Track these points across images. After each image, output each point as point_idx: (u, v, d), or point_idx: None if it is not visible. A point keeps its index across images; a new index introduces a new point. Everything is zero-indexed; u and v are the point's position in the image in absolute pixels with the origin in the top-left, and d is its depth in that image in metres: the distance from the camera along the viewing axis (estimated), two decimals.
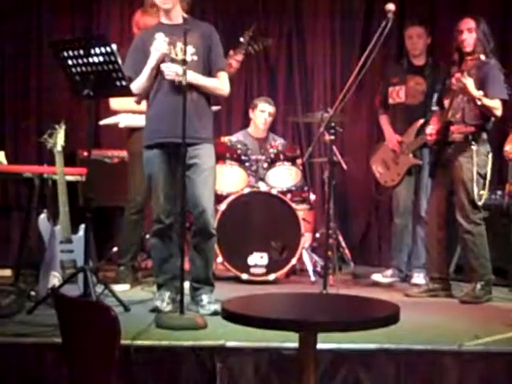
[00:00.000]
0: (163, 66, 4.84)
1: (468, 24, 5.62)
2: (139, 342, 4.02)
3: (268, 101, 7.14)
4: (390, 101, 6.62)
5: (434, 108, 6.08)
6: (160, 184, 4.95)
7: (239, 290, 5.88)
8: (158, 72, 4.90)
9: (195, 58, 4.90)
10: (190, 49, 4.85)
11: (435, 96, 6.13)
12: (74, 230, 5.23)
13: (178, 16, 4.95)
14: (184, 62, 4.63)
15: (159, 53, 4.84)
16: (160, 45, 4.84)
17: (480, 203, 5.58)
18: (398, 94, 6.57)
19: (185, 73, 4.60)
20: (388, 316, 2.95)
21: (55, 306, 3.22)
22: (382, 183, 6.70)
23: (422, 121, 6.28)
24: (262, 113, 7.08)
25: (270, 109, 7.10)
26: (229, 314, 3.02)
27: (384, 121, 6.68)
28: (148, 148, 4.99)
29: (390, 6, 5.14)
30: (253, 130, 7.15)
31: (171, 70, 4.81)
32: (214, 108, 5.30)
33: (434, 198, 5.87)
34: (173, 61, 4.85)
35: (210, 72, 4.98)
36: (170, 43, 4.86)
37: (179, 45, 4.78)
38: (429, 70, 6.51)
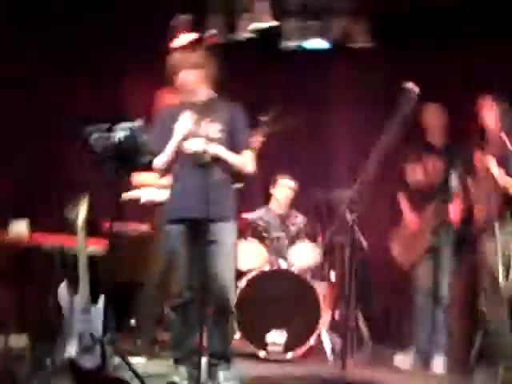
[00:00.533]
0: (188, 144, 4.87)
1: (488, 103, 5.64)
2: None
3: (287, 175, 7.16)
4: (408, 179, 6.62)
5: (453, 187, 6.08)
6: (181, 259, 4.95)
7: (257, 368, 5.83)
8: (181, 150, 4.93)
9: (221, 135, 4.94)
10: (217, 126, 4.91)
11: (453, 175, 6.14)
12: (94, 301, 5.21)
13: (205, 93, 5.00)
14: (207, 139, 4.66)
15: (185, 130, 4.88)
16: (186, 122, 4.88)
17: (504, 286, 5.51)
18: (415, 173, 6.56)
19: (207, 149, 4.64)
20: None
21: (73, 377, 3.20)
22: (400, 262, 6.66)
23: (439, 200, 6.27)
24: (283, 188, 7.09)
25: (291, 184, 7.12)
26: None
27: (402, 199, 6.67)
28: (170, 223, 4.99)
29: (409, 85, 5.17)
30: (274, 206, 7.16)
31: (193, 145, 4.84)
32: (237, 185, 5.31)
33: (457, 281, 5.82)
34: (198, 137, 4.88)
35: (235, 151, 5.01)
36: (196, 120, 4.90)
37: (205, 122, 4.82)
38: (446, 149, 6.50)
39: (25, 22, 7.23)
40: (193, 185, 4.81)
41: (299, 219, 6.92)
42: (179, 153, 4.93)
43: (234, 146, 5.02)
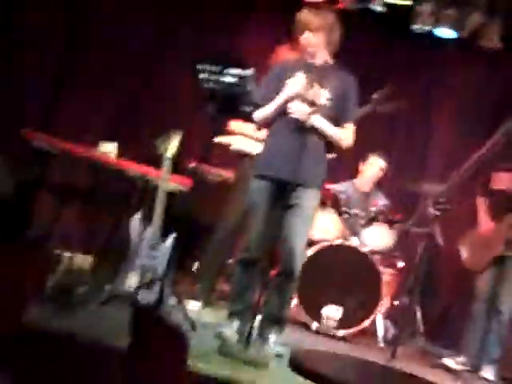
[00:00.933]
0: (293, 105, 4.84)
1: None
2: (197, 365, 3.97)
3: (379, 155, 7.09)
4: (493, 185, 6.48)
5: None
6: (259, 216, 4.93)
7: (307, 339, 5.82)
8: (285, 108, 4.89)
9: (329, 103, 4.89)
10: (326, 93, 4.86)
11: None
12: (163, 238, 5.25)
13: (323, 57, 4.94)
14: (313, 104, 4.62)
15: (294, 91, 4.84)
16: (296, 84, 4.83)
17: None
18: (502, 181, 6.41)
19: (309, 117, 4.60)
20: None
21: (131, 312, 3.22)
22: (467, 265, 6.56)
23: None
24: (373, 167, 7.03)
25: (381, 163, 7.06)
26: (296, 365, 2.98)
27: (481, 204, 6.52)
28: (258, 178, 4.98)
29: None
30: (359, 183, 7.11)
31: (299, 109, 4.80)
32: (329, 156, 5.26)
33: None
34: (304, 101, 4.83)
35: (338, 120, 4.96)
36: (308, 83, 4.85)
37: (316, 86, 4.77)
38: None
39: None
40: (287, 146, 4.78)
41: (382, 201, 6.85)
42: (282, 111, 4.89)
43: (339, 117, 4.95)
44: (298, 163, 4.58)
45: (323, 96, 4.85)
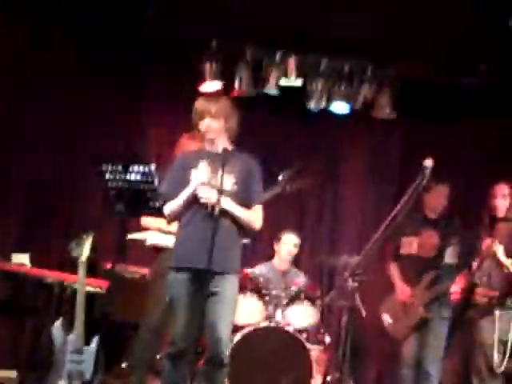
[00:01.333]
0: (200, 191, 4.89)
1: (503, 190, 5.67)
2: None
3: (291, 231, 7.18)
4: (402, 251, 6.60)
5: (447, 261, 6.10)
6: (181, 308, 4.91)
7: None
8: (194, 198, 4.94)
9: (235, 188, 4.96)
10: (231, 178, 4.94)
11: (448, 249, 6.16)
12: (87, 341, 5.18)
13: (223, 144, 5.01)
14: (220, 192, 4.68)
15: (199, 182, 4.91)
16: (201, 174, 4.91)
17: (499, 370, 5.49)
18: (410, 245, 6.54)
19: (219, 201, 4.66)
20: None
21: None
22: (391, 333, 6.63)
23: (432, 273, 6.26)
24: (287, 244, 7.10)
25: (295, 240, 7.14)
26: None
27: (394, 271, 6.63)
28: (174, 270, 4.99)
29: (428, 162, 5.18)
30: (277, 262, 7.16)
31: (207, 195, 4.86)
32: (245, 241, 5.31)
33: (452, 358, 5.79)
34: (212, 188, 4.89)
35: (246, 204, 5.03)
36: (212, 171, 4.93)
37: (220, 174, 4.84)
38: (443, 223, 6.49)
39: None
40: (200, 235, 4.80)
41: (301, 279, 6.90)
42: (190, 202, 4.95)
43: (246, 200, 5.03)
44: (213, 251, 4.60)
45: (228, 182, 4.92)
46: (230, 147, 5.03)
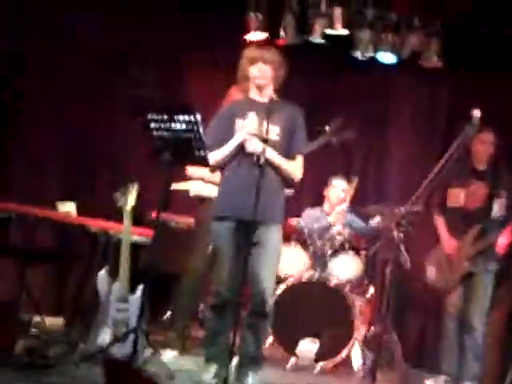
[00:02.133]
0: (247, 141, 4.88)
1: None
2: None
3: (342, 177, 7.13)
4: (448, 203, 6.53)
5: (494, 215, 6.03)
6: (226, 258, 4.94)
7: (285, 376, 5.81)
8: (240, 148, 4.94)
9: (279, 138, 4.95)
10: (276, 129, 4.92)
11: (496, 202, 6.08)
12: (131, 290, 5.22)
13: (269, 94, 4.99)
14: (265, 142, 4.66)
15: (247, 132, 4.89)
16: (250, 125, 4.89)
17: None
18: (457, 198, 6.46)
19: (264, 151, 4.64)
20: None
21: (103, 367, 3.20)
22: (435, 286, 6.59)
23: (479, 226, 6.19)
24: (336, 188, 7.06)
25: (344, 185, 7.08)
26: None
27: (440, 223, 6.56)
28: (218, 220, 4.99)
29: (476, 112, 5.10)
30: (328, 208, 7.13)
31: (253, 145, 4.84)
32: (287, 191, 5.29)
33: (496, 310, 5.76)
34: (257, 138, 4.87)
35: (289, 154, 5.01)
36: (258, 121, 4.92)
37: (266, 123, 4.81)
38: (491, 175, 6.39)
39: None
40: (245, 184, 4.81)
41: (346, 230, 6.86)
42: (236, 151, 4.94)
43: (290, 150, 5.02)
44: (257, 200, 4.60)
45: (273, 132, 4.91)
46: (275, 97, 5.00)
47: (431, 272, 6.57)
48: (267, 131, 4.70)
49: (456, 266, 6.37)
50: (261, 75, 5.00)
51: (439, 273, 6.51)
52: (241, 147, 4.92)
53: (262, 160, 4.65)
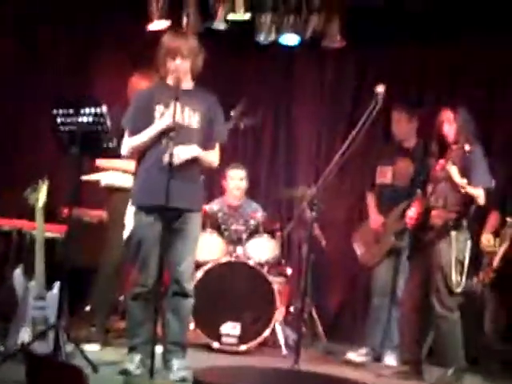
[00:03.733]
0: (175, 150, 4.78)
1: (447, 115, 5.70)
2: None
3: (236, 166, 7.13)
4: (377, 181, 6.67)
5: (418, 191, 6.18)
6: (151, 248, 4.93)
7: (210, 359, 5.85)
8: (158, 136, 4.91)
9: (199, 126, 4.97)
10: (196, 116, 4.94)
11: (420, 179, 6.23)
12: (48, 287, 5.19)
13: (188, 82, 5.00)
14: (185, 130, 4.69)
15: (165, 124, 4.86)
16: (171, 112, 4.81)
17: (458, 290, 5.60)
18: (385, 175, 6.60)
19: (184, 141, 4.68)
20: None
21: (25, 363, 3.19)
22: (363, 262, 6.73)
23: (406, 203, 6.33)
24: (233, 180, 7.08)
25: (241, 174, 7.10)
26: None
27: (370, 200, 6.72)
28: (140, 210, 5.00)
29: (380, 88, 5.21)
30: (229, 199, 7.15)
31: (181, 153, 4.84)
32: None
33: (411, 281, 5.90)
34: (178, 128, 4.82)
35: (209, 142, 5.03)
36: (179, 110, 4.88)
37: (186, 110, 4.81)
38: (418, 152, 6.53)
39: None
40: (164, 173, 4.75)
41: (259, 213, 6.91)
42: (155, 139, 4.92)
43: (210, 138, 5.05)
44: (178, 188, 4.62)
45: (193, 120, 4.93)
46: (192, 85, 5.01)
47: (358, 248, 6.69)
48: (189, 120, 4.73)
49: (382, 241, 6.50)
50: (179, 70, 4.95)
51: (366, 248, 6.63)
52: (159, 135, 4.90)
53: (176, 162, 4.68)
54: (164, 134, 4.86)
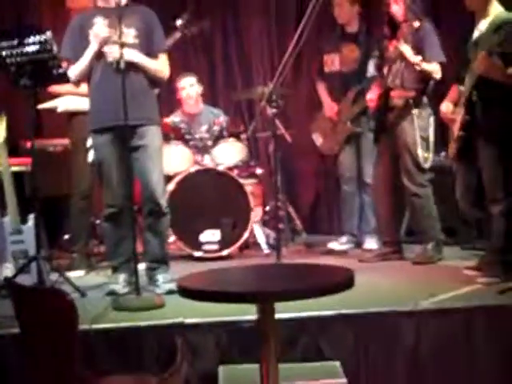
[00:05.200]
0: (106, 49, 4.82)
1: None
2: (98, 326, 4.03)
3: (184, 75, 7.06)
4: (326, 69, 6.67)
5: (370, 75, 6.22)
6: (112, 168, 4.94)
7: (193, 268, 5.88)
8: (98, 56, 4.87)
9: (137, 40, 4.90)
10: (132, 31, 4.88)
11: (370, 62, 6.29)
12: (23, 221, 5.19)
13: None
14: (122, 45, 4.62)
15: (100, 37, 4.82)
16: (100, 30, 4.82)
17: (426, 166, 5.67)
18: (332, 62, 6.61)
19: (122, 56, 4.60)
20: (343, 281, 2.98)
21: (11, 295, 3.21)
22: (323, 152, 6.80)
23: (357, 88, 6.37)
24: (185, 89, 7.02)
25: (189, 81, 7.02)
26: (185, 291, 3.02)
27: (321, 89, 6.73)
28: (95, 132, 4.98)
29: None
30: (186, 108, 7.11)
31: (109, 50, 4.80)
32: (155, 91, 5.28)
33: (380, 163, 5.94)
34: (114, 44, 4.80)
35: (151, 55, 4.98)
36: (111, 26, 4.83)
37: (119, 28, 4.75)
38: (362, 36, 6.55)
39: None
40: (113, 91, 4.72)
41: (221, 118, 6.90)
42: (96, 60, 4.88)
43: (151, 51, 4.99)
44: (130, 104, 4.59)
45: (129, 35, 4.85)
46: (124, 1, 4.94)
47: (317, 138, 6.73)
48: (121, 34, 4.64)
49: (339, 128, 6.54)
50: None
51: (324, 138, 6.68)
52: (100, 55, 4.86)
53: (122, 64, 4.61)
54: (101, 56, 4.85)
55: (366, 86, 6.28)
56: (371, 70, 6.40)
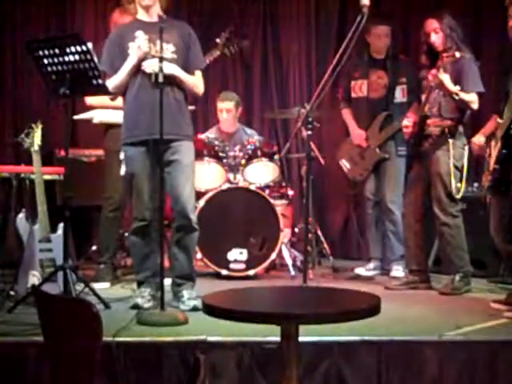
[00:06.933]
0: (145, 63, 4.84)
1: (432, 25, 5.65)
2: (121, 339, 4.01)
3: (222, 98, 7.10)
4: (353, 95, 6.66)
5: (397, 101, 6.28)
6: (144, 182, 4.96)
7: (219, 286, 5.88)
8: (136, 70, 4.89)
9: (175, 56, 4.92)
10: (171, 47, 4.90)
11: (397, 88, 6.33)
12: (53, 229, 5.21)
13: (157, 13, 4.95)
14: (161, 60, 4.63)
15: (141, 51, 4.84)
16: (142, 43, 4.84)
17: (458, 196, 5.62)
18: (360, 89, 6.60)
19: (161, 70, 4.61)
20: (369, 307, 2.96)
21: (36, 303, 3.21)
22: (351, 178, 6.76)
23: (384, 114, 6.36)
24: (221, 112, 7.07)
25: (225, 105, 7.05)
26: (210, 309, 3.01)
27: (347, 115, 6.72)
28: (128, 145, 4.99)
29: (365, 1, 5.14)
30: (222, 126, 7.15)
31: (149, 64, 4.82)
32: (190, 107, 5.30)
33: (412, 191, 5.91)
34: (153, 57, 4.83)
35: (187, 71, 4.99)
36: (150, 41, 4.86)
37: (158, 42, 4.78)
38: (390, 63, 6.55)
39: None
40: (148, 105, 4.79)
41: (255, 137, 6.91)
42: (133, 74, 4.90)
43: (187, 67, 5.00)
44: (165, 118, 4.60)
45: (168, 50, 4.87)
46: (163, 16, 4.96)
47: (344, 165, 6.71)
48: (161, 49, 4.66)
49: (367, 155, 6.52)
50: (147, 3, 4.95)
51: (352, 164, 6.66)
52: (138, 69, 4.89)
53: (160, 78, 4.62)
54: (140, 69, 4.87)
55: (394, 113, 6.30)
56: (398, 96, 6.41)
